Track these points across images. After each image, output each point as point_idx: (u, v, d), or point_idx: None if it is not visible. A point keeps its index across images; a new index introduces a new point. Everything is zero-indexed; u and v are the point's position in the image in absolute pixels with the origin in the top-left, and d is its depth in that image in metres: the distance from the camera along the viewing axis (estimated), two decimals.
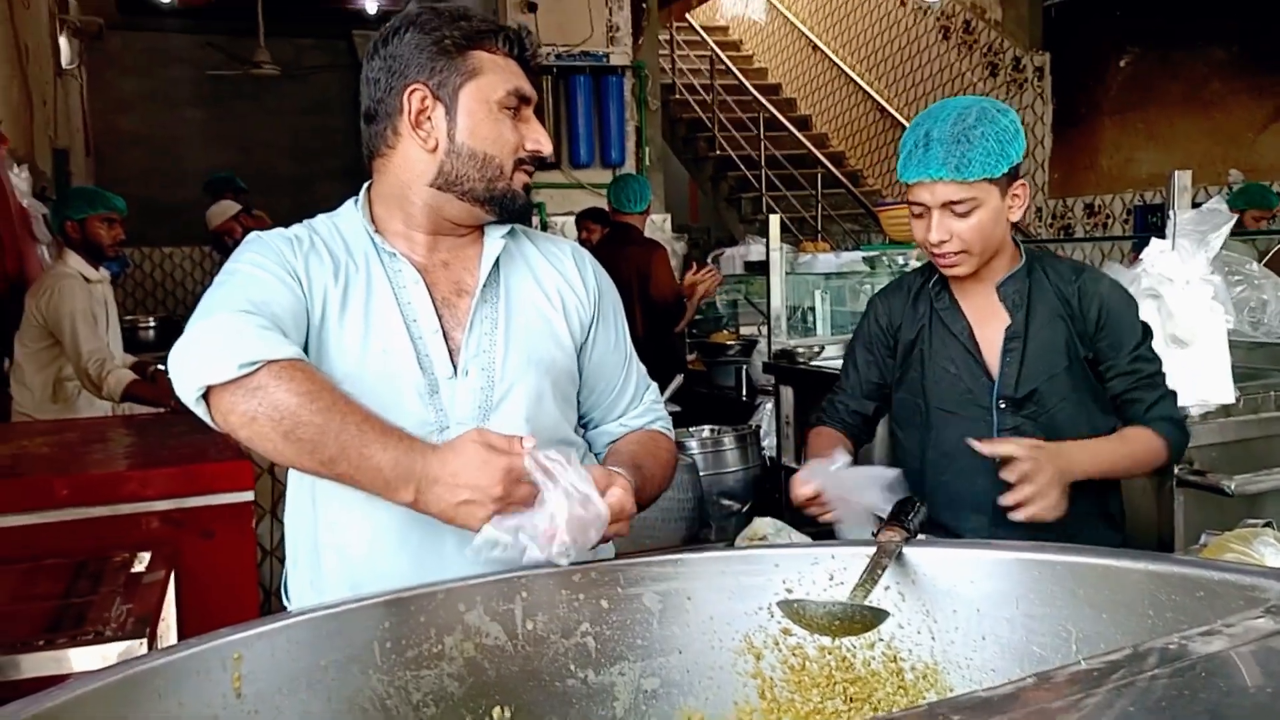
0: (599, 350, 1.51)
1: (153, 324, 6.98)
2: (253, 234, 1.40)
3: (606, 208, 5.33)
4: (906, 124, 9.25)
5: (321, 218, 1.45)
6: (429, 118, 1.35)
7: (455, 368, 1.37)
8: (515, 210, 1.40)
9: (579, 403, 1.52)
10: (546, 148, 1.39)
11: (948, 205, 1.67)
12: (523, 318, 1.43)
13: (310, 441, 1.15)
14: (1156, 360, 1.78)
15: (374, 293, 1.37)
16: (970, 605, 1.08)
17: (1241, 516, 1.86)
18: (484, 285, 1.41)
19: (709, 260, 6.22)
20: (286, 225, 1.44)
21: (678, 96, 9.95)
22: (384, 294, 1.37)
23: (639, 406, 1.55)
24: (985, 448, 1.59)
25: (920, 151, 1.68)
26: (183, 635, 2.27)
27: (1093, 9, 7.42)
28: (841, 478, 1.54)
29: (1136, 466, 1.74)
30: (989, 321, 1.78)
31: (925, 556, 1.12)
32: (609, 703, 1.16)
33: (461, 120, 1.35)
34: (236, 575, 2.57)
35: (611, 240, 5.09)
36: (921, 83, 8.99)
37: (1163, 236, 1.90)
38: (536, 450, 1.13)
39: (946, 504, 1.77)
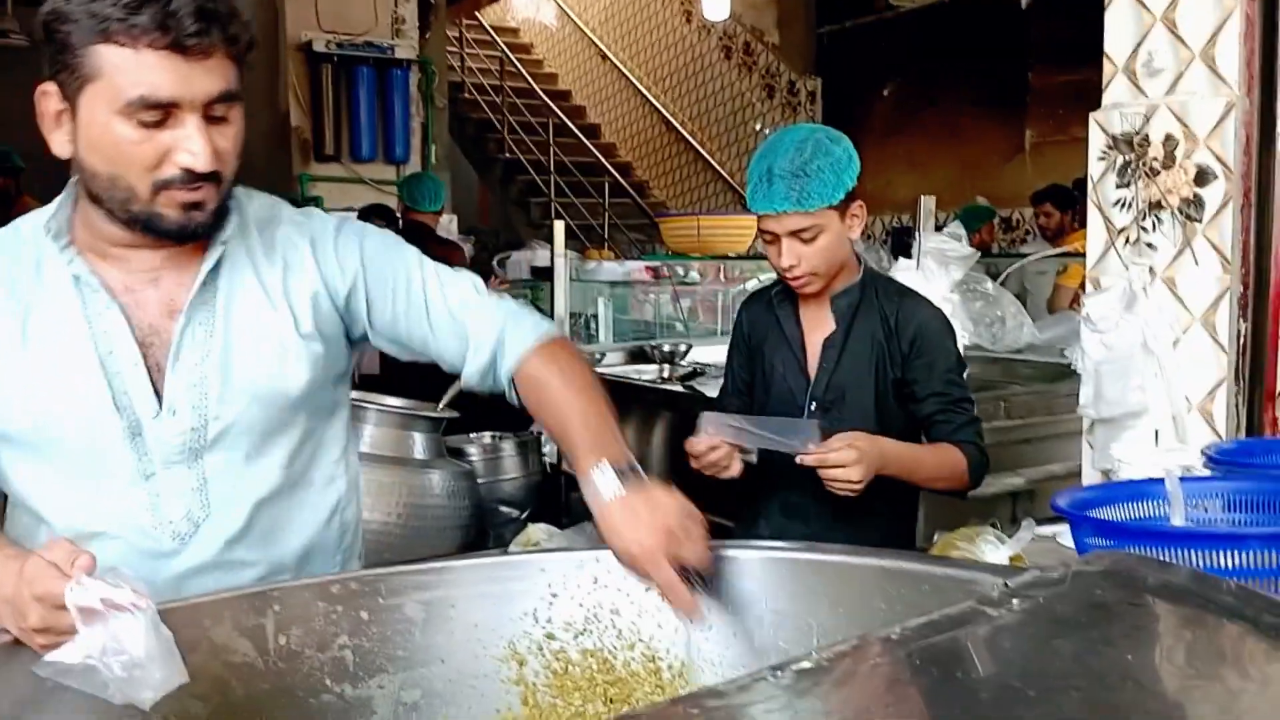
0: (394, 311, 1.33)
1: None
2: None
3: (396, 205, 5.20)
4: (690, 139, 9.50)
5: (29, 218, 1.26)
6: (62, 123, 1.15)
7: (161, 404, 1.21)
8: (172, 235, 1.17)
9: (429, 356, 1.36)
10: (198, 163, 1.12)
11: (794, 233, 1.81)
12: (245, 337, 1.24)
13: None
14: (967, 389, 1.93)
15: (64, 320, 1.19)
16: (722, 605, 1.13)
17: (973, 518, 2.03)
18: (193, 303, 1.22)
19: (495, 264, 6.19)
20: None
21: (467, 95, 9.84)
22: (75, 322, 1.19)
23: (467, 341, 1.33)
24: (812, 459, 1.67)
25: (765, 186, 1.81)
26: None
27: (860, 39, 7.92)
28: (742, 428, 1.70)
29: (939, 475, 1.86)
30: (818, 329, 1.94)
31: None
32: (367, 716, 1.13)
33: (80, 130, 1.13)
34: None
35: (405, 240, 4.96)
36: (705, 99, 9.30)
37: (909, 257, 2.06)
38: (91, 583, 0.92)
39: (769, 496, 1.93)
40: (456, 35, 9.88)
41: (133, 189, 1.14)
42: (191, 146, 1.11)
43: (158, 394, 1.21)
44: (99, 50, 1.09)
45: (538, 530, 1.90)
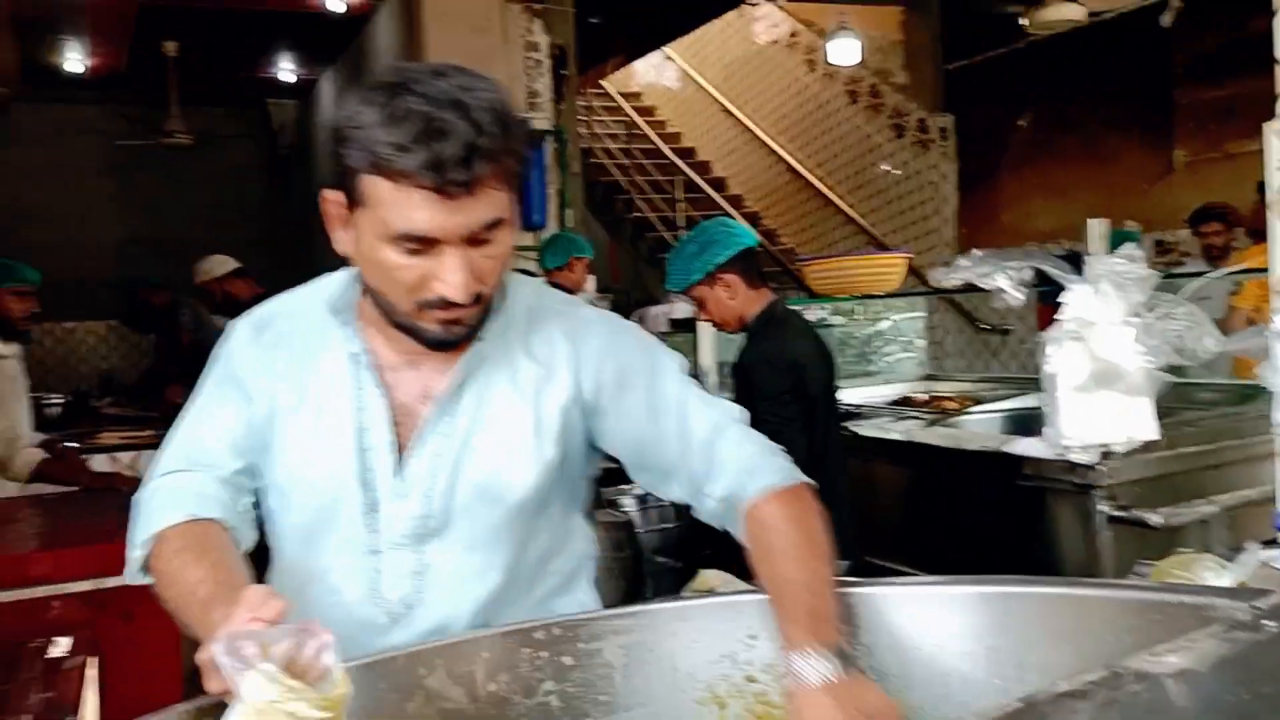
0: (629, 426, 1.29)
1: (58, 401, 6.71)
2: (228, 331, 1.34)
3: (539, 271, 5.34)
4: (818, 184, 9.40)
5: (306, 290, 1.34)
6: (343, 227, 1.19)
7: (399, 486, 1.25)
8: (431, 345, 1.21)
9: (661, 485, 1.32)
10: (455, 294, 1.13)
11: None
12: (487, 435, 1.25)
13: (173, 615, 1.14)
14: None
15: (336, 391, 1.26)
16: (934, 643, 1.09)
17: (1162, 548, 1.91)
18: (447, 394, 1.24)
19: (634, 319, 6.27)
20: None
21: (595, 160, 10.07)
22: (344, 394, 1.26)
23: (713, 467, 1.26)
24: None
25: None
26: None
27: (991, 71, 7.77)
28: None
29: None
30: None
31: (891, 596, 1.13)
32: None
33: (357, 242, 1.17)
34: (159, 658, 2.46)
35: None
36: (831, 144, 9.25)
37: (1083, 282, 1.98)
38: (243, 637, 0.89)
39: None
40: (584, 104, 10.15)
41: (397, 304, 1.17)
42: (451, 279, 1.12)
43: (399, 475, 1.24)
44: (371, 179, 1.11)
45: (712, 576, 1.88)
